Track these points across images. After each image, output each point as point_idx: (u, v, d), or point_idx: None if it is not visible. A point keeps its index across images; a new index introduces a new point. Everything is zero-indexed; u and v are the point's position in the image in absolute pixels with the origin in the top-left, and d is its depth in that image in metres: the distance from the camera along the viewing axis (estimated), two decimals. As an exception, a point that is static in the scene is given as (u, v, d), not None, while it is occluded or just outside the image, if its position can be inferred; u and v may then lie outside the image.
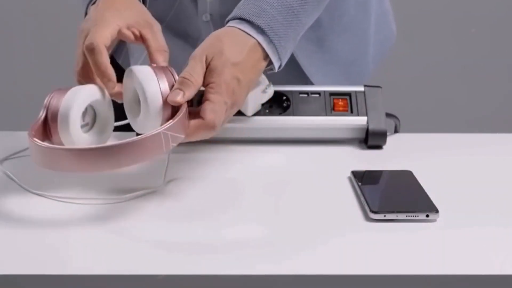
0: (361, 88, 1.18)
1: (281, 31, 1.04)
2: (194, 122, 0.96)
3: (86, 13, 1.10)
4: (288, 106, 1.15)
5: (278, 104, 1.16)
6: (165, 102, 0.94)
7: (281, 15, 1.04)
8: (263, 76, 1.12)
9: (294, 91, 1.17)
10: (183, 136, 0.94)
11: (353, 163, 1.10)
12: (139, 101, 0.96)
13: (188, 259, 0.84)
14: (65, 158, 0.89)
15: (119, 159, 0.89)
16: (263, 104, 1.15)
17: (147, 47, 1.03)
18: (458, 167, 1.10)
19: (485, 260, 0.85)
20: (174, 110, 0.95)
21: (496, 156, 1.14)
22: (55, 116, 0.94)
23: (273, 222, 0.93)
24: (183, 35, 1.26)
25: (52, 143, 0.95)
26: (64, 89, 0.97)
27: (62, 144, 0.95)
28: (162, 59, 1.01)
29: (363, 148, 1.17)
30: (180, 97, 0.94)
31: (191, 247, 0.87)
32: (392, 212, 0.93)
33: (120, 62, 1.33)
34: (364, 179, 1.02)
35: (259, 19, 1.03)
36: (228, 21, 1.04)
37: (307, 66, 1.25)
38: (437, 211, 0.93)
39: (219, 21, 1.22)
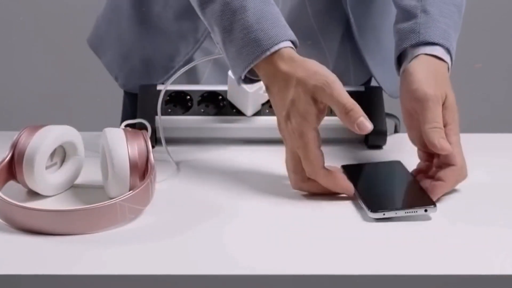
0: (361, 88, 1.18)
1: (454, 44, 1.07)
2: (450, 171, 0.97)
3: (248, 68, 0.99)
4: (288, 106, 1.15)
5: (278, 104, 1.16)
6: (133, 167, 0.93)
7: (453, 28, 1.08)
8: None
9: (294, 91, 1.16)
10: (143, 208, 0.93)
11: (353, 163, 1.10)
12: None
13: (187, 259, 0.84)
14: (15, 214, 0.89)
15: (69, 225, 0.88)
16: (263, 104, 1.15)
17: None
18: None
19: (485, 260, 0.85)
20: (143, 176, 0.94)
21: (496, 156, 1.14)
22: (21, 157, 0.94)
23: (272, 222, 0.93)
24: None
25: (17, 182, 0.96)
26: (36, 128, 0.96)
27: (26, 184, 0.95)
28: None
29: (363, 148, 1.17)
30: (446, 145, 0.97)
31: (190, 246, 0.87)
32: (391, 209, 0.92)
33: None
34: (355, 174, 1.01)
35: (447, 42, 1.05)
36: (408, 46, 1.06)
37: (371, 63, 1.25)
38: (434, 205, 0.93)
39: None
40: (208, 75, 1.24)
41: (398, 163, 1.04)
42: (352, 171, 1.03)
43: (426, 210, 0.92)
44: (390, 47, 1.11)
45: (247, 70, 0.99)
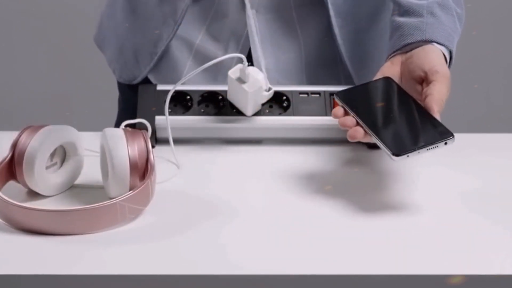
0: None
1: (455, 48, 1.11)
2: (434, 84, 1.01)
3: None
4: (288, 106, 1.15)
5: (278, 104, 1.16)
6: (133, 167, 0.93)
7: (456, 34, 1.12)
8: (263, 76, 1.12)
9: (294, 91, 1.17)
10: (143, 208, 0.93)
11: (353, 163, 1.10)
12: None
13: (187, 259, 0.84)
14: (15, 214, 0.89)
15: (69, 225, 0.88)
16: (263, 104, 1.15)
17: None
18: (458, 166, 1.10)
19: (485, 260, 0.85)
20: (143, 176, 0.94)
21: (496, 156, 1.14)
22: (21, 157, 0.94)
23: (272, 222, 0.93)
24: (225, 36, 1.25)
25: (17, 182, 0.96)
26: (36, 128, 0.96)
27: (26, 184, 0.95)
28: None
29: (363, 148, 1.17)
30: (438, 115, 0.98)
31: (190, 246, 0.87)
32: (414, 150, 0.92)
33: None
34: (354, 103, 1.00)
35: (450, 44, 1.09)
36: (414, 41, 1.08)
37: (352, 67, 1.26)
38: (452, 136, 0.93)
39: (264, 14, 1.22)
40: (189, 69, 1.25)
41: (389, 80, 1.04)
42: (350, 99, 1.01)
43: (446, 143, 0.92)
44: (375, 53, 1.12)
45: None
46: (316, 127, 1.15)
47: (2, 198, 0.90)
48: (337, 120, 0.99)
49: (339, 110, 1.00)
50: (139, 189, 0.91)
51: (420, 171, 1.05)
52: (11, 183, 0.96)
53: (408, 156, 0.91)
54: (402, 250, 0.87)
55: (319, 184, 1.03)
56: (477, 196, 1.00)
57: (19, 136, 0.95)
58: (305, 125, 1.15)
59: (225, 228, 0.91)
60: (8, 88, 2.55)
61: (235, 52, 1.00)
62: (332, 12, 1.19)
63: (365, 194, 1.00)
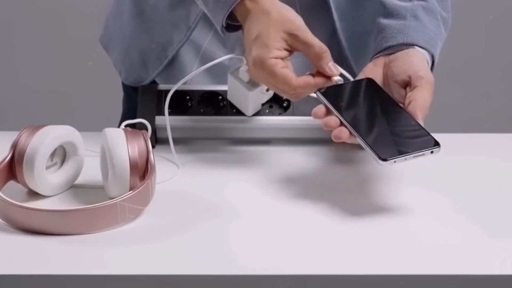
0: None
1: (438, 52, 1.11)
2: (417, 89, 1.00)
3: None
4: (288, 106, 1.16)
5: (278, 104, 1.16)
6: (133, 167, 0.93)
7: (439, 38, 1.12)
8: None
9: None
10: (143, 208, 0.93)
11: (353, 163, 1.10)
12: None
13: (187, 259, 0.85)
14: (15, 214, 0.89)
15: (69, 225, 0.88)
16: (263, 104, 1.15)
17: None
18: (456, 167, 1.10)
19: (485, 260, 0.85)
20: (143, 176, 0.94)
21: (494, 156, 1.14)
22: (21, 157, 0.94)
23: (272, 222, 0.93)
24: (232, 40, 1.23)
25: (17, 182, 0.96)
26: (36, 128, 0.96)
27: (26, 184, 0.95)
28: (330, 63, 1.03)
29: (359, 149, 1.16)
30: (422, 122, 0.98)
31: (190, 247, 0.87)
32: (400, 156, 0.91)
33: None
34: (338, 101, 0.99)
35: (432, 48, 1.09)
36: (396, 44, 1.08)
37: (357, 68, 1.26)
38: (439, 145, 0.93)
39: None
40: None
41: (372, 82, 1.03)
42: (332, 98, 1.00)
43: (432, 152, 0.92)
44: None
45: (227, 14, 1.03)
46: (316, 127, 1.15)
47: (2, 198, 0.90)
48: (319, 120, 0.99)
49: (320, 109, 0.99)
50: (139, 189, 0.91)
51: (418, 171, 1.05)
52: (11, 183, 0.96)
53: (395, 162, 0.91)
54: (402, 250, 0.87)
55: (319, 184, 1.04)
56: (477, 196, 1.00)
57: (19, 136, 0.95)
58: (305, 125, 1.15)
59: (224, 228, 0.91)
60: (8, 88, 2.55)
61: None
62: (336, 17, 1.19)
63: (367, 193, 1.00)
